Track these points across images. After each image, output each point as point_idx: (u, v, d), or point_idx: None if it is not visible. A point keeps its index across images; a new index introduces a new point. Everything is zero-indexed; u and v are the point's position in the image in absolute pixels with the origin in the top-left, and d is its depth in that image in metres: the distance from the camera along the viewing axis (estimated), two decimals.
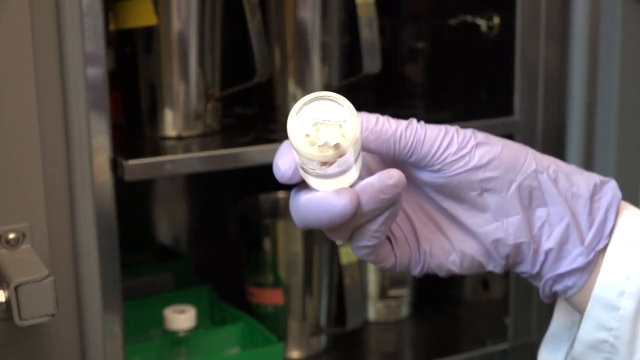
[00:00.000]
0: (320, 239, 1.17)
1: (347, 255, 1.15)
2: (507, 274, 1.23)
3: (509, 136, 1.16)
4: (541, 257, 0.63)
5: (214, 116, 1.07)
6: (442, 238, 0.64)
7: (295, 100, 1.11)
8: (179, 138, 1.05)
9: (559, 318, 0.69)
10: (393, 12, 1.34)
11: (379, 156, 0.63)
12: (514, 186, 0.61)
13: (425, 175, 0.62)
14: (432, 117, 1.17)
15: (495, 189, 0.61)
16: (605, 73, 1.16)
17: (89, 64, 0.88)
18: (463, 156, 0.60)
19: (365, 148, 0.59)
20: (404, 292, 1.24)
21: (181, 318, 1.09)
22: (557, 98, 1.15)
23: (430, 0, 1.33)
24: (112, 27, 1.03)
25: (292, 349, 1.20)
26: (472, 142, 0.61)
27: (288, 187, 1.38)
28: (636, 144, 1.20)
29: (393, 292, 1.23)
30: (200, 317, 1.15)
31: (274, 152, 0.60)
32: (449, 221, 0.64)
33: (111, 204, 0.92)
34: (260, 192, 1.26)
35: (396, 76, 1.36)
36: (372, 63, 1.08)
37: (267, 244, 1.16)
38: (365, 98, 1.32)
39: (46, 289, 0.81)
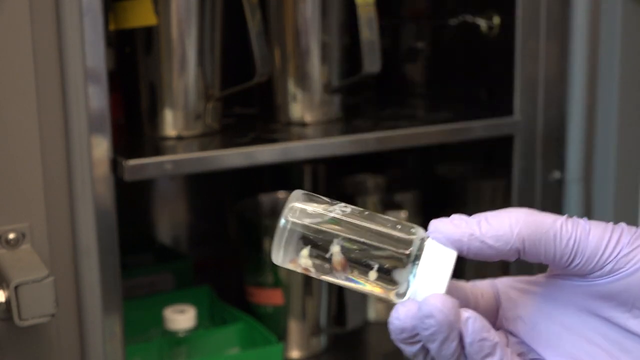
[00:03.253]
0: None
1: None
2: (507, 272, 1.22)
3: (509, 136, 1.17)
4: None
5: (214, 116, 1.07)
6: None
7: (295, 100, 1.11)
8: (179, 138, 1.05)
9: None
10: (393, 12, 1.34)
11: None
12: None
13: (584, 286, 0.53)
14: (432, 117, 1.17)
15: None
16: (606, 73, 1.16)
17: (88, 64, 0.88)
18: (634, 251, 0.51)
19: (519, 247, 0.51)
20: None
21: (181, 318, 1.09)
22: (557, 98, 1.15)
23: (430, 0, 1.33)
24: (112, 27, 1.03)
25: (292, 349, 1.20)
26: None
27: (288, 187, 1.38)
28: (636, 144, 1.19)
29: None
30: (200, 317, 1.15)
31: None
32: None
33: (111, 204, 0.92)
34: (260, 192, 1.26)
35: (396, 76, 1.36)
36: (372, 63, 1.08)
37: (267, 244, 1.16)
38: (365, 98, 1.32)
39: (46, 289, 0.81)
